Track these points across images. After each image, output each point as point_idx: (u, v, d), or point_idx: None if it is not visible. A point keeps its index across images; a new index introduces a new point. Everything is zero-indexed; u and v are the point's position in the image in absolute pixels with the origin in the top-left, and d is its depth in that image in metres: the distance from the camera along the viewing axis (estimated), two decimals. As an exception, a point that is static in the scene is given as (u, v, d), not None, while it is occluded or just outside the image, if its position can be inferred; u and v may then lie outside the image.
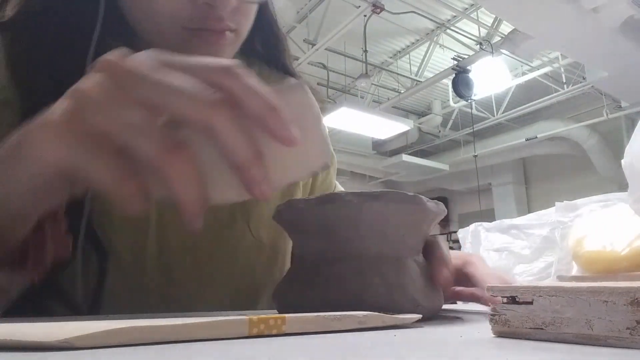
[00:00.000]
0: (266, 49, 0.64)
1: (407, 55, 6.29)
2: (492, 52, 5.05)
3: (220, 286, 0.55)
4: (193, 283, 0.53)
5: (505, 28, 4.92)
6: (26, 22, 0.46)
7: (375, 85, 6.57)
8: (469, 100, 5.96)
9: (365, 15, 4.65)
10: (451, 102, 6.90)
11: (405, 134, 6.86)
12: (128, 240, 0.49)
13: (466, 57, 5.48)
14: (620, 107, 6.16)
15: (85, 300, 0.45)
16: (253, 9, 0.51)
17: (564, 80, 6.26)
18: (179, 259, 0.52)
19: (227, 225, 0.55)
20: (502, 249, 0.77)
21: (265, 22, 0.61)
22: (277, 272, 0.60)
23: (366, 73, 5.56)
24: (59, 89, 0.33)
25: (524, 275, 0.71)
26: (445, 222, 9.94)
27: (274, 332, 0.24)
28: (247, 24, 0.51)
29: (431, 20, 5.36)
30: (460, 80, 5.45)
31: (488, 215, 7.58)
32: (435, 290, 0.38)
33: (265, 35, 0.63)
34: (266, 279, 0.59)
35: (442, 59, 6.09)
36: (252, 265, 0.57)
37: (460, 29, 5.51)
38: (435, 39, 5.78)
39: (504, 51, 4.72)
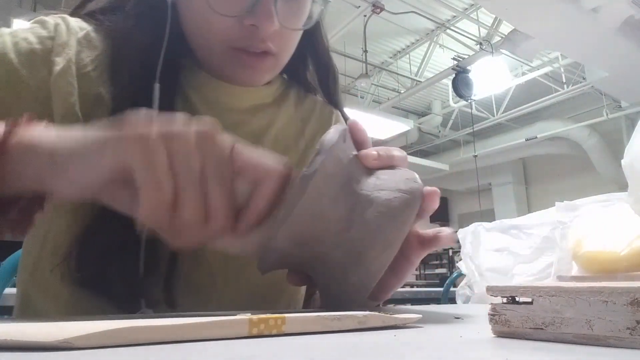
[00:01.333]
0: (317, 78, 0.67)
1: (407, 55, 6.30)
2: (492, 52, 5.05)
3: (244, 281, 0.55)
4: (220, 272, 0.54)
5: (505, 28, 4.92)
6: (123, 33, 0.53)
7: (375, 85, 6.57)
8: (469, 100, 5.96)
9: (365, 15, 4.66)
10: (451, 102, 6.91)
11: (405, 134, 6.86)
12: None
13: (466, 57, 5.49)
14: (620, 107, 6.17)
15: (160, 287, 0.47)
16: (295, 36, 0.55)
17: (564, 80, 6.26)
18: (209, 252, 0.53)
19: None
20: (502, 249, 0.77)
21: (316, 51, 0.65)
22: None
23: (366, 73, 5.56)
24: (136, 95, 0.47)
25: (524, 275, 0.71)
26: (445, 222, 9.95)
27: (274, 332, 0.24)
28: (287, 49, 0.56)
29: (431, 20, 5.36)
30: (460, 80, 5.46)
31: (488, 215, 7.59)
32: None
33: (316, 65, 0.67)
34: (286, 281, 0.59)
35: (442, 59, 6.09)
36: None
37: (460, 29, 5.51)
38: (435, 39, 5.79)
39: (504, 51, 4.72)
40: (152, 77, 0.48)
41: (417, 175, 0.39)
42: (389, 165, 0.39)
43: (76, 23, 0.54)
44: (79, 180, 0.34)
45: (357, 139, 0.39)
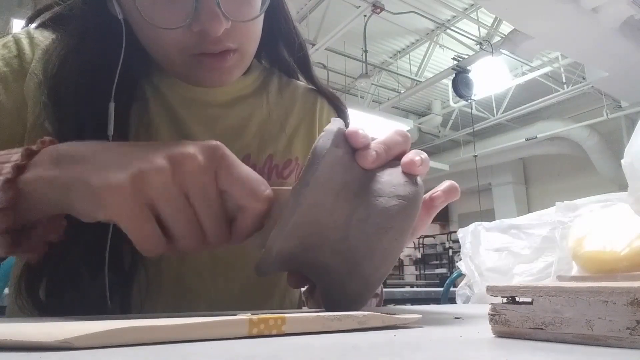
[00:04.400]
0: (290, 55, 0.66)
1: (407, 55, 6.30)
2: (492, 52, 5.05)
3: (233, 277, 0.56)
4: (207, 270, 0.54)
5: (505, 28, 4.93)
6: (74, 46, 0.51)
7: (375, 85, 6.57)
8: (469, 100, 5.96)
9: (365, 15, 4.65)
10: (451, 102, 6.91)
11: (405, 134, 6.84)
12: None
13: (466, 57, 5.48)
14: (620, 107, 6.16)
15: (118, 282, 0.47)
16: (254, 25, 0.53)
17: (564, 80, 6.26)
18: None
19: None
20: (502, 248, 0.77)
21: (284, 29, 0.64)
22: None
23: (366, 73, 5.56)
24: (85, 107, 0.47)
25: (524, 275, 0.71)
26: (445, 222, 9.95)
27: (274, 332, 0.24)
28: (249, 41, 0.53)
29: (431, 20, 5.36)
30: (460, 80, 5.45)
31: (488, 215, 7.59)
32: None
33: (287, 43, 0.65)
34: (278, 275, 0.59)
35: (442, 59, 6.09)
36: None
37: (460, 29, 5.51)
38: (435, 39, 5.78)
39: (504, 51, 4.72)
40: (108, 92, 0.48)
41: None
42: (390, 160, 0.38)
43: (40, 34, 0.54)
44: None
45: (356, 146, 0.37)
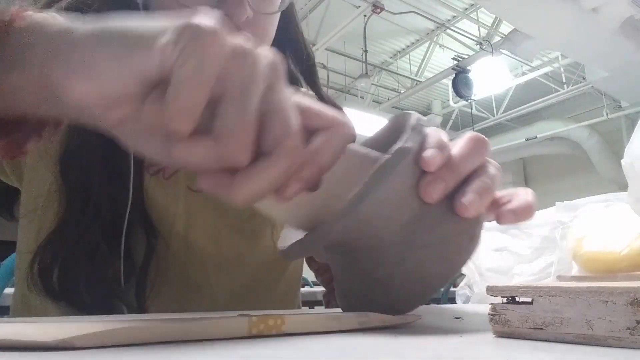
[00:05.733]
0: (297, 65, 0.66)
1: (407, 55, 6.29)
2: (492, 52, 5.05)
3: (236, 274, 0.56)
4: (211, 266, 0.55)
5: (505, 28, 4.92)
6: None
7: (375, 85, 6.57)
8: (469, 100, 5.96)
9: (365, 15, 4.65)
10: (451, 102, 6.90)
11: (405, 134, 6.84)
12: (157, 216, 0.52)
13: (466, 57, 5.48)
14: (620, 107, 6.16)
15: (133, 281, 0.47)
16: (272, 21, 0.54)
17: (564, 80, 6.26)
18: (201, 241, 0.54)
19: (248, 220, 0.57)
20: (502, 248, 0.77)
21: (291, 37, 0.64)
22: (293, 270, 0.62)
23: (366, 73, 5.55)
24: None
25: (524, 275, 0.71)
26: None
27: (274, 332, 0.24)
28: (265, 37, 0.54)
29: (431, 20, 5.36)
30: (460, 80, 5.45)
31: (488, 215, 7.55)
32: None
33: (294, 53, 0.65)
34: (280, 274, 0.60)
35: (442, 59, 6.09)
36: (269, 261, 0.59)
37: (460, 29, 5.51)
38: (435, 39, 5.78)
39: (504, 51, 4.72)
40: None
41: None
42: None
43: None
44: (97, 80, 0.24)
45: (427, 170, 0.30)
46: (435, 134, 0.31)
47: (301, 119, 0.25)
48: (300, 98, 0.27)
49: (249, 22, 0.49)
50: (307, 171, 0.26)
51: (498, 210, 0.36)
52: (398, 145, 0.29)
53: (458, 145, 0.32)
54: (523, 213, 0.36)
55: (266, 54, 0.26)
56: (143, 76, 0.23)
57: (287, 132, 0.24)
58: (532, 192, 0.38)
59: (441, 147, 0.30)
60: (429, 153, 0.29)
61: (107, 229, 0.46)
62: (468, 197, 0.30)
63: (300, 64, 0.66)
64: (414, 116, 0.32)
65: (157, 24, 0.24)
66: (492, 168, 0.33)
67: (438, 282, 0.32)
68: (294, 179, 0.26)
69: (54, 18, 0.27)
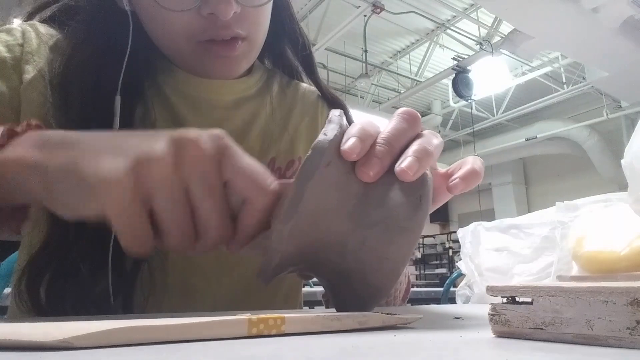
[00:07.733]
0: (295, 54, 0.66)
1: (407, 55, 6.30)
2: (492, 52, 5.05)
3: (237, 277, 0.55)
4: (212, 270, 0.54)
5: (505, 28, 4.93)
6: (81, 40, 0.50)
7: (375, 85, 6.58)
8: (469, 100, 5.96)
9: (365, 15, 4.66)
10: (451, 102, 6.91)
11: (405, 134, 6.85)
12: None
13: (466, 57, 5.49)
14: (620, 107, 6.17)
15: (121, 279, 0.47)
16: (263, 12, 0.53)
17: (564, 80, 6.27)
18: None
19: None
20: (502, 248, 0.77)
21: (289, 29, 0.63)
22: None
23: (366, 73, 5.56)
24: (98, 106, 0.46)
25: (524, 275, 0.71)
26: (445, 222, 9.95)
27: (274, 332, 0.24)
28: (258, 30, 0.53)
29: (431, 20, 5.37)
30: (460, 80, 5.46)
31: (488, 215, 7.59)
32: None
33: (291, 42, 0.65)
34: (282, 277, 0.59)
35: (442, 59, 6.09)
36: None
37: (460, 29, 5.51)
38: (435, 39, 5.79)
39: (504, 51, 4.72)
40: (114, 87, 0.47)
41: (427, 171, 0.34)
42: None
43: (45, 30, 0.53)
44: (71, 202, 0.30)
45: (350, 160, 0.32)
46: (358, 124, 0.33)
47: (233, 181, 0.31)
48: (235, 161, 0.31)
49: (238, 17, 0.48)
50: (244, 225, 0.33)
51: (447, 183, 0.38)
52: (315, 141, 0.31)
53: (388, 123, 0.34)
54: (470, 178, 0.38)
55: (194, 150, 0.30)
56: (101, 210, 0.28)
57: (254, 188, 0.31)
58: (480, 159, 0.40)
59: (360, 133, 0.32)
60: (346, 144, 0.32)
61: (95, 244, 0.45)
62: (405, 162, 0.32)
63: (297, 53, 0.65)
64: (334, 112, 0.34)
65: (109, 165, 0.28)
66: (428, 134, 0.35)
67: (405, 251, 0.33)
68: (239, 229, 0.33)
69: (28, 150, 0.31)
